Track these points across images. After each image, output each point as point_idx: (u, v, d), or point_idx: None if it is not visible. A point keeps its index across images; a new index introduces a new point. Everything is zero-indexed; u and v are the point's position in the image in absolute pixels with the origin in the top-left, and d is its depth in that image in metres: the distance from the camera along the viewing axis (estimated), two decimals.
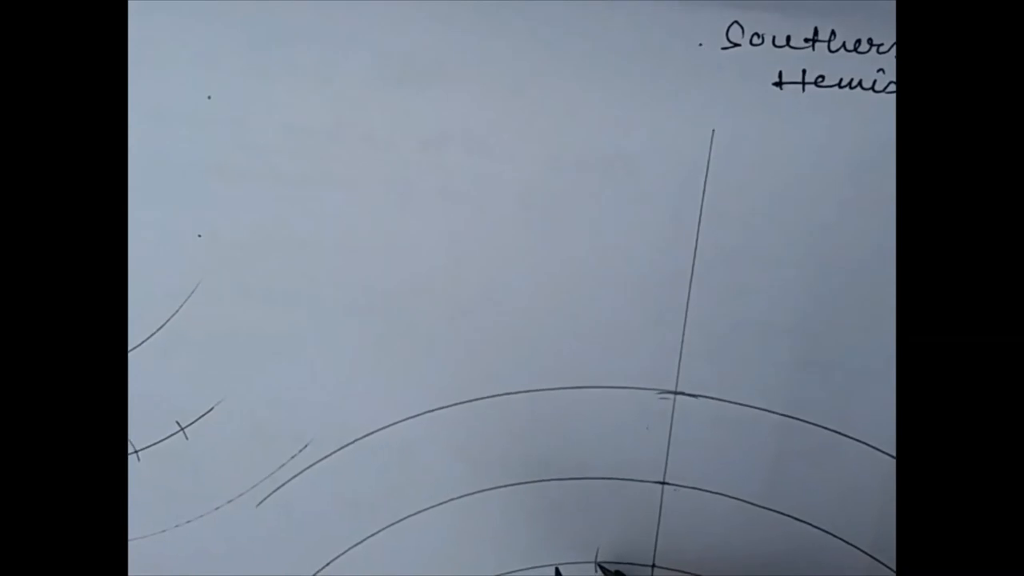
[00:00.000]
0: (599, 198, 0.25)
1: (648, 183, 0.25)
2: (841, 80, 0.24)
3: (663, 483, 0.28)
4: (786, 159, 0.25)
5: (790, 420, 0.26)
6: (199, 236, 0.27)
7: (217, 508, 0.29)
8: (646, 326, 0.26)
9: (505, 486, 0.28)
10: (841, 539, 0.27)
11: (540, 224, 0.26)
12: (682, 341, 0.26)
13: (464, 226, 0.26)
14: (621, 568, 0.28)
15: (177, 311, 0.28)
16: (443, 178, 0.26)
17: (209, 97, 0.26)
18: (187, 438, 0.29)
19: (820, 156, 0.25)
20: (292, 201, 0.26)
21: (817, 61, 0.24)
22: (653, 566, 0.28)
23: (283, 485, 0.29)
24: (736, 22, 0.24)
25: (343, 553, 0.29)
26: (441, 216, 0.26)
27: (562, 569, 0.28)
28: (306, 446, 0.29)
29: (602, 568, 0.28)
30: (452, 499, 0.29)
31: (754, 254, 0.25)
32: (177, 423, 0.29)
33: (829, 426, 0.26)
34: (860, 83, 0.24)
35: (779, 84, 0.24)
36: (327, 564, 0.30)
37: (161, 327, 0.28)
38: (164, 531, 0.30)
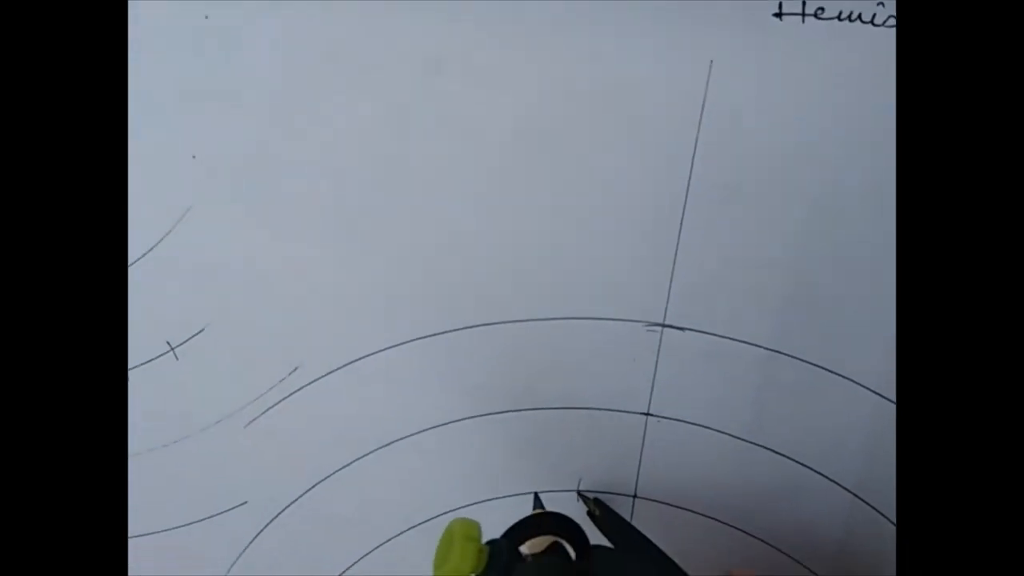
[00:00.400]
0: (594, 128, 0.25)
1: (644, 114, 0.25)
2: (841, 13, 0.24)
3: (647, 414, 0.28)
4: (784, 91, 0.25)
5: (777, 355, 0.26)
6: (193, 157, 0.27)
7: (205, 429, 0.30)
8: (637, 258, 0.26)
9: (491, 414, 0.29)
10: (824, 475, 0.27)
11: (534, 153, 0.26)
12: (672, 274, 0.26)
13: (459, 153, 0.26)
14: (602, 497, 0.28)
15: (170, 231, 0.28)
16: (439, 104, 0.26)
17: (207, 17, 0.26)
18: (177, 358, 0.29)
19: (818, 89, 0.24)
20: (287, 125, 0.26)
21: None
22: (635, 496, 0.29)
23: (271, 407, 0.29)
24: None
25: (330, 476, 0.30)
26: (436, 142, 0.26)
27: (543, 497, 0.29)
28: (295, 369, 0.29)
29: (582, 496, 0.28)
30: (438, 425, 0.29)
31: (748, 188, 0.25)
32: (167, 343, 0.29)
33: (816, 362, 0.26)
34: (860, 16, 0.24)
35: (779, 15, 0.24)
36: (314, 486, 0.30)
37: (153, 247, 0.28)
38: (152, 450, 0.30)
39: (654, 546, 0.25)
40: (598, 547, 0.24)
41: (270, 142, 0.26)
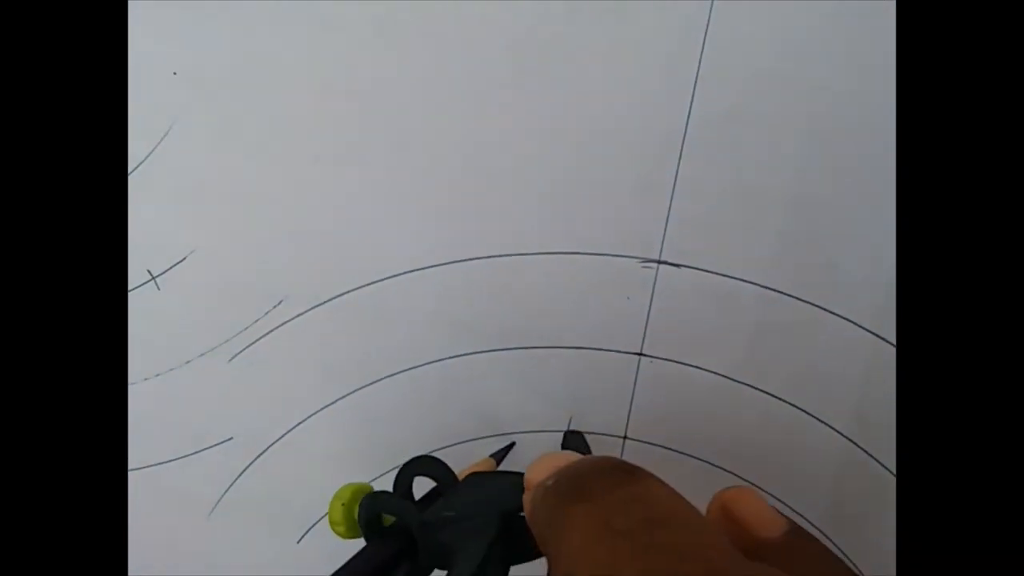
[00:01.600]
0: (590, 49, 0.24)
1: (644, 36, 0.24)
2: None
3: (640, 354, 0.27)
4: (789, 15, 0.23)
5: (774, 293, 0.26)
6: (174, 74, 0.26)
7: (188, 361, 0.29)
8: (633, 190, 0.25)
9: (480, 352, 0.28)
10: (817, 418, 0.27)
11: (527, 74, 0.25)
12: (669, 208, 0.25)
13: (449, 71, 0.25)
14: (594, 438, 0.28)
15: (151, 153, 0.27)
16: (430, 20, 0.24)
17: None
18: (159, 288, 0.28)
19: (824, 13, 0.23)
20: (271, 38, 0.25)
21: None
22: (625, 438, 0.28)
23: (257, 341, 0.29)
24: None
25: (315, 412, 0.29)
26: (426, 60, 0.25)
27: (531, 438, 0.28)
28: (281, 302, 0.28)
29: (565, 434, 0.28)
30: (426, 363, 0.28)
31: (751, 117, 0.24)
32: (148, 272, 0.28)
33: (814, 301, 0.26)
34: None
35: None
36: (299, 423, 0.30)
37: (134, 169, 0.27)
38: (133, 383, 0.30)
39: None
40: (473, 475, 0.24)
41: (256, 57, 0.25)
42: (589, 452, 0.28)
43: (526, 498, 0.17)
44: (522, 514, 0.18)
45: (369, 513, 0.22)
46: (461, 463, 0.29)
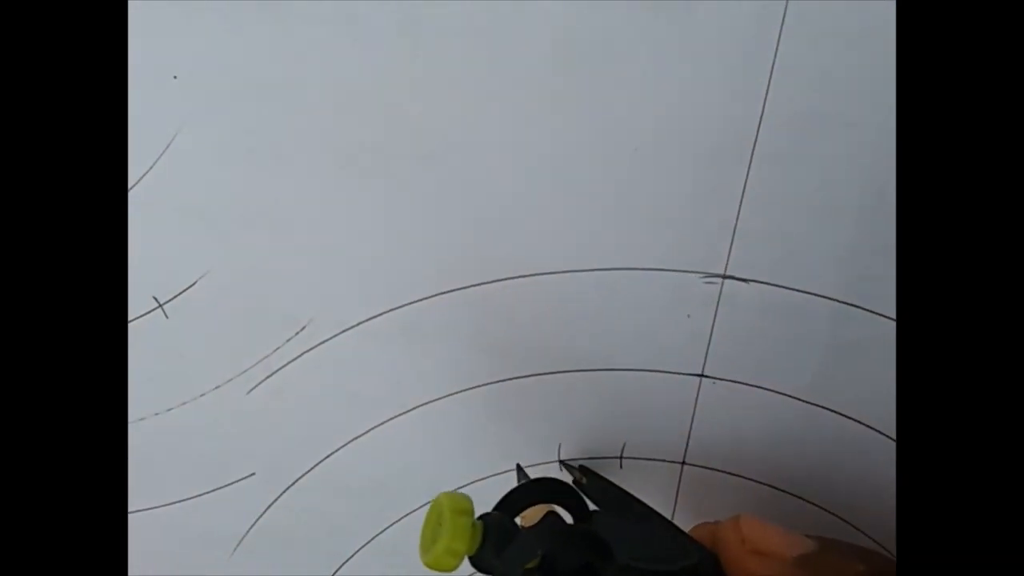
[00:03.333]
0: (650, 43, 0.21)
1: (711, 31, 0.21)
2: None
3: (701, 375, 0.25)
4: (870, 7, 0.21)
5: (849, 308, 0.23)
6: (175, 78, 0.23)
7: (202, 395, 0.26)
8: (696, 199, 0.23)
9: (526, 376, 0.26)
10: (893, 439, 0.25)
11: (577, 74, 0.22)
12: (737, 218, 0.23)
13: (485, 73, 0.22)
14: (646, 464, 0.26)
15: (152, 166, 0.24)
16: (461, 16, 0.21)
17: None
18: (167, 316, 0.25)
19: None
20: (286, 37, 0.22)
21: None
22: (683, 463, 0.26)
23: (278, 370, 0.26)
24: None
25: (344, 445, 0.27)
26: (457, 61, 0.22)
27: (586, 464, 0.26)
28: (303, 328, 0.25)
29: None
30: (466, 389, 0.26)
31: (827, 120, 0.21)
32: (155, 299, 0.25)
33: (892, 315, 0.24)
34: None
35: None
36: (325, 458, 0.27)
37: (134, 185, 0.24)
38: (143, 419, 0.27)
39: (646, 506, 0.23)
40: (598, 512, 0.22)
41: (268, 58, 0.22)
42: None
43: (769, 567, 0.18)
44: None
45: (537, 548, 0.17)
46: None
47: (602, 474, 0.25)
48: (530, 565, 0.18)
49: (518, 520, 0.21)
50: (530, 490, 0.21)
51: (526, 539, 0.18)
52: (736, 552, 0.18)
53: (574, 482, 0.25)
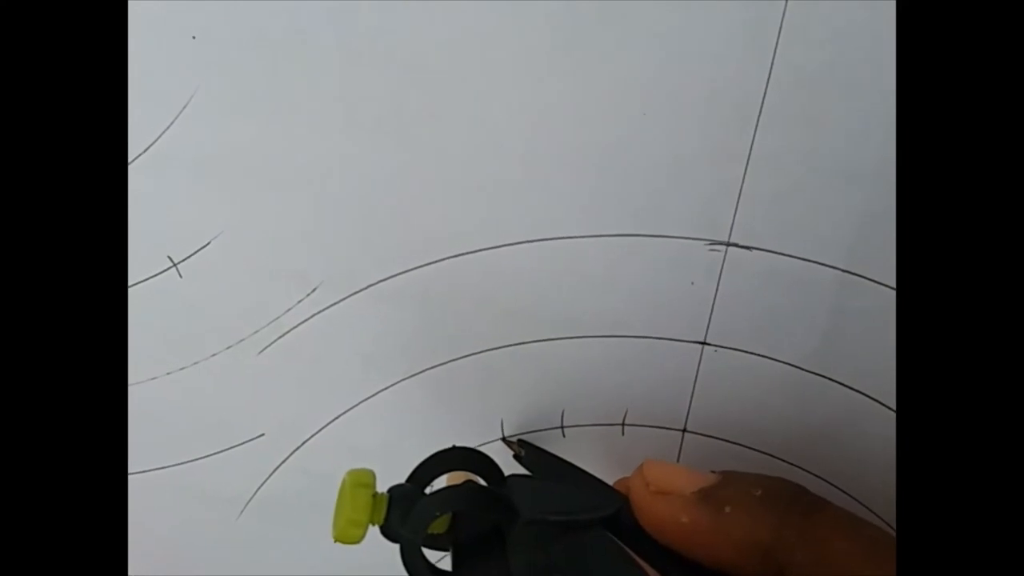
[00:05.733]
0: (657, 9, 0.22)
1: None
2: None
3: (703, 343, 0.25)
4: None
5: (854, 277, 0.24)
6: (193, 38, 0.23)
7: (214, 355, 0.27)
8: (700, 165, 0.23)
9: (531, 342, 0.26)
10: (893, 409, 0.25)
11: (582, 34, 0.22)
12: (742, 185, 0.23)
13: (497, 37, 0.22)
14: (652, 431, 0.26)
15: (168, 127, 0.24)
16: None
17: None
18: (180, 276, 0.26)
19: None
20: None
21: None
22: (684, 431, 0.27)
23: (289, 331, 0.26)
24: None
25: (354, 406, 0.27)
26: (469, 22, 0.22)
27: (587, 431, 0.26)
28: (315, 289, 0.26)
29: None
30: (473, 353, 0.26)
31: (838, 82, 0.22)
32: (169, 258, 0.26)
33: (894, 285, 0.24)
34: None
35: None
36: (336, 418, 0.28)
37: (150, 146, 0.24)
38: (155, 378, 0.28)
39: (581, 470, 0.24)
40: (514, 476, 0.22)
41: (285, 18, 0.23)
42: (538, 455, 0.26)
43: (669, 505, 0.19)
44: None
45: (435, 510, 0.18)
46: (511, 458, 0.27)
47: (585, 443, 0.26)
48: (435, 530, 0.19)
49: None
50: (439, 460, 0.21)
51: (427, 502, 0.18)
52: (641, 496, 0.19)
53: (514, 457, 0.26)
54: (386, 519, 0.18)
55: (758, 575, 0.17)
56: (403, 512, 0.18)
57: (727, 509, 0.18)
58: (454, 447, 0.22)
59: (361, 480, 0.18)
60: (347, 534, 0.18)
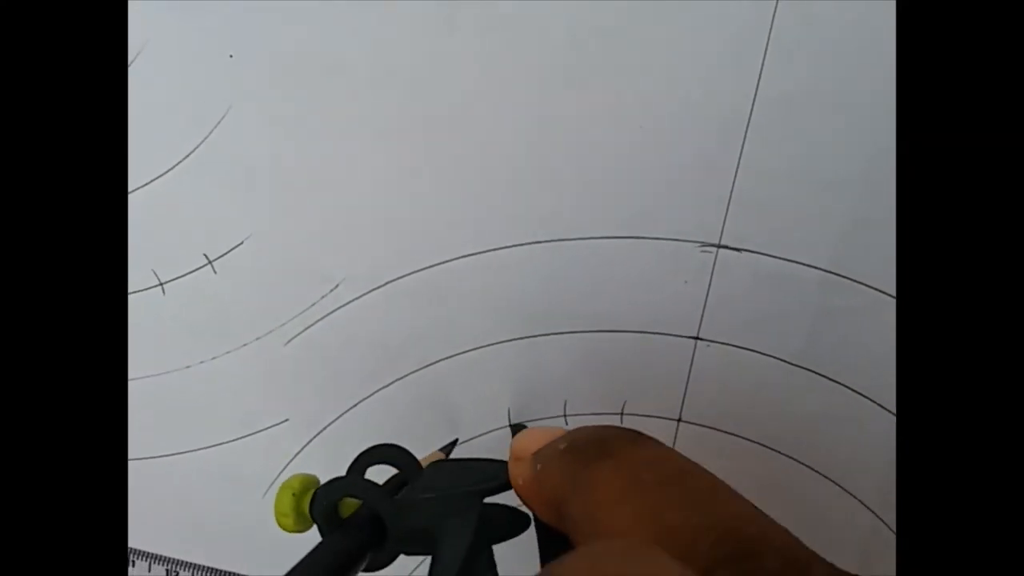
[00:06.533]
0: (653, 25, 0.24)
1: (710, 10, 0.23)
2: None
3: (696, 338, 0.27)
4: None
5: (837, 278, 0.26)
6: (230, 57, 0.26)
7: (244, 345, 0.29)
8: (694, 172, 0.25)
9: (535, 336, 0.28)
10: (876, 403, 0.27)
11: (587, 53, 0.24)
12: (731, 191, 0.25)
13: (506, 53, 0.24)
14: (649, 421, 0.28)
15: (207, 137, 0.27)
16: (484, 5, 0.24)
17: None
18: (215, 272, 0.28)
19: None
20: (331, 19, 0.25)
21: None
22: (679, 420, 0.28)
23: (313, 324, 0.29)
24: None
25: (370, 395, 0.30)
26: (482, 43, 0.24)
27: (588, 420, 0.28)
28: (337, 286, 0.28)
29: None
30: (481, 346, 0.28)
31: (819, 96, 0.24)
32: (205, 256, 0.28)
33: (878, 286, 0.25)
34: None
35: None
36: (354, 405, 0.30)
37: (190, 154, 0.27)
38: (188, 367, 0.30)
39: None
40: (434, 463, 0.24)
41: (312, 38, 0.25)
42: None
43: (519, 468, 0.18)
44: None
45: (327, 500, 0.20)
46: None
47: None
48: (344, 513, 0.21)
49: None
50: (368, 455, 0.24)
51: (320, 492, 0.21)
52: (510, 463, 0.19)
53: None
54: (310, 511, 0.21)
55: (566, 531, 0.17)
56: (325, 506, 0.21)
57: (538, 466, 0.17)
58: (377, 445, 0.24)
59: (289, 484, 0.21)
60: (280, 523, 0.21)
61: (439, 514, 0.20)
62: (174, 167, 0.27)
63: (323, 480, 0.21)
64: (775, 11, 0.23)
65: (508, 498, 0.20)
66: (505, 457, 0.21)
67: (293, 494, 0.21)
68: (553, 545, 0.18)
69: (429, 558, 0.19)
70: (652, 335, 0.28)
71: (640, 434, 0.17)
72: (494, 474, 0.20)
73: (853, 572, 0.13)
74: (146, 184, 0.28)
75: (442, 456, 0.28)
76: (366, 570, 0.20)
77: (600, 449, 0.16)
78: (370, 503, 0.20)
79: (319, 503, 0.21)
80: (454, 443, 0.29)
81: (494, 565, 0.19)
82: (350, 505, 0.21)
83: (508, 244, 0.27)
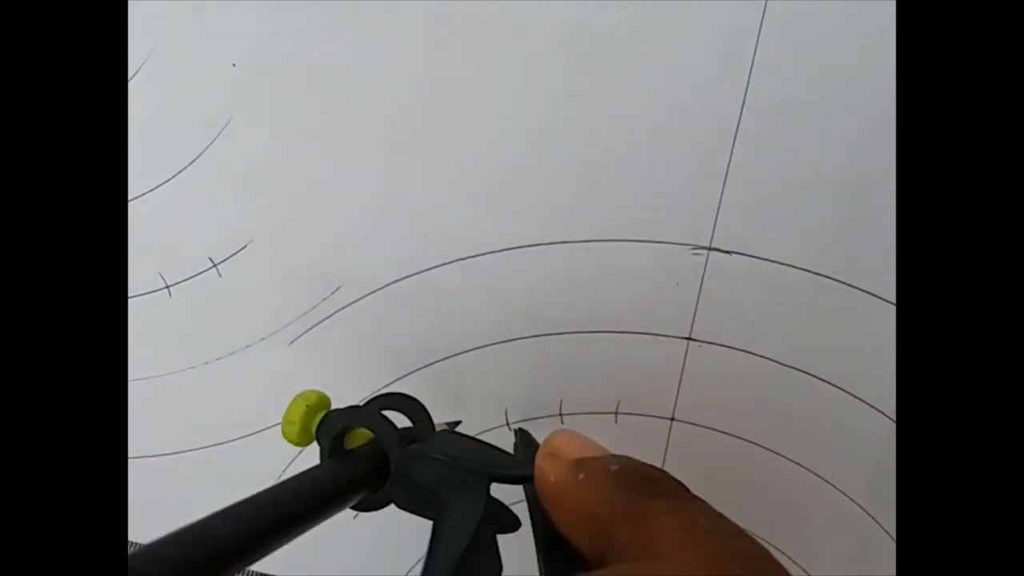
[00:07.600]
0: (642, 35, 0.24)
1: (698, 19, 0.24)
2: None
3: (689, 339, 0.28)
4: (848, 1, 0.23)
5: (826, 280, 0.26)
6: (233, 65, 0.26)
7: (248, 346, 0.30)
8: (685, 177, 0.26)
9: (531, 337, 0.29)
10: (867, 403, 0.27)
11: (579, 60, 0.25)
12: (721, 194, 0.26)
13: (499, 63, 0.25)
14: (642, 420, 0.29)
15: (211, 143, 0.27)
16: (482, 10, 0.25)
17: None
18: (220, 275, 0.29)
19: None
20: (330, 28, 0.25)
21: None
22: (672, 419, 0.29)
23: (315, 326, 0.29)
24: None
25: (371, 395, 0.30)
26: (478, 49, 0.25)
27: (583, 419, 0.29)
28: (339, 288, 0.29)
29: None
30: (479, 347, 0.29)
31: (807, 103, 0.24)
32: (210, 259, 0.29)
33: (865, 288, 0.26)
34: None
35: None
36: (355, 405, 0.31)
37: (195, 160, 0.28)
38: (193, 367, 0.31)
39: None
40: (445, 430, 0.23)
41: (313, 48, 0.26)
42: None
43: (553, 466, 0.19)
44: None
45: (340, 423, 0.20)
46: (511, 445, 0.29)
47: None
48: (350, 445, 0.21)
49: None
50: (386, 397, 0.24)
51: (334, 414, 0.21)
52: (540, 455, 0.19)
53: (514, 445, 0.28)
54: (317, 429, 0.21)
55: (587, 549, 0.17)
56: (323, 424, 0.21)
57: (581, 476, 0.18)
58: (397, 392, 0.25)
59: (305, 395, 0.22)
60: (284, 431, 0.21)
61: (447, 480, 0.19)
62: (179, 173, 0.28)
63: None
64: (763, 16, 0.24)
65: (504, 495, 0.20)
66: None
67: (307, 406, 0.21)
68: (556, 549, 0.18)
69: (424, 557, 0.19)
70: (645, 336, 0.28)
71: (686, 486, 0.18)
72: (504, 464, 0.20)
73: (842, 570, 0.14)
74: (152, 189, 0.29)
75: (448, 429, 0.28)
76: (355, 507, 0.20)
77: (657, 487, 0.17)
78: (383, 440, 0.20)
79: (330, 424, 0.20)
80: (457, 423, 0.30)
81: (498, 554, 0.19)
82: (357, 437, 0.21)
83: (502, 248, 0.28)
